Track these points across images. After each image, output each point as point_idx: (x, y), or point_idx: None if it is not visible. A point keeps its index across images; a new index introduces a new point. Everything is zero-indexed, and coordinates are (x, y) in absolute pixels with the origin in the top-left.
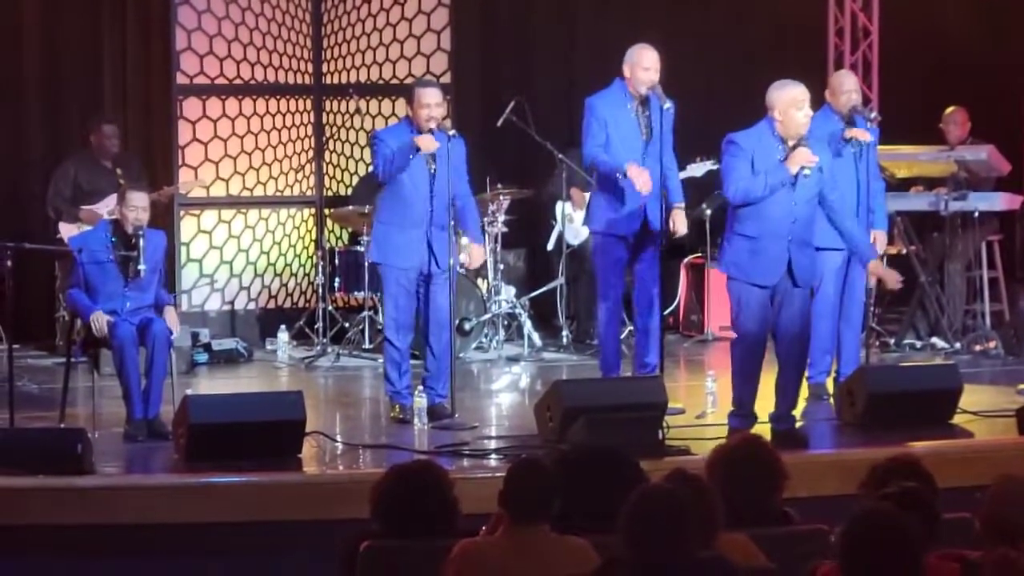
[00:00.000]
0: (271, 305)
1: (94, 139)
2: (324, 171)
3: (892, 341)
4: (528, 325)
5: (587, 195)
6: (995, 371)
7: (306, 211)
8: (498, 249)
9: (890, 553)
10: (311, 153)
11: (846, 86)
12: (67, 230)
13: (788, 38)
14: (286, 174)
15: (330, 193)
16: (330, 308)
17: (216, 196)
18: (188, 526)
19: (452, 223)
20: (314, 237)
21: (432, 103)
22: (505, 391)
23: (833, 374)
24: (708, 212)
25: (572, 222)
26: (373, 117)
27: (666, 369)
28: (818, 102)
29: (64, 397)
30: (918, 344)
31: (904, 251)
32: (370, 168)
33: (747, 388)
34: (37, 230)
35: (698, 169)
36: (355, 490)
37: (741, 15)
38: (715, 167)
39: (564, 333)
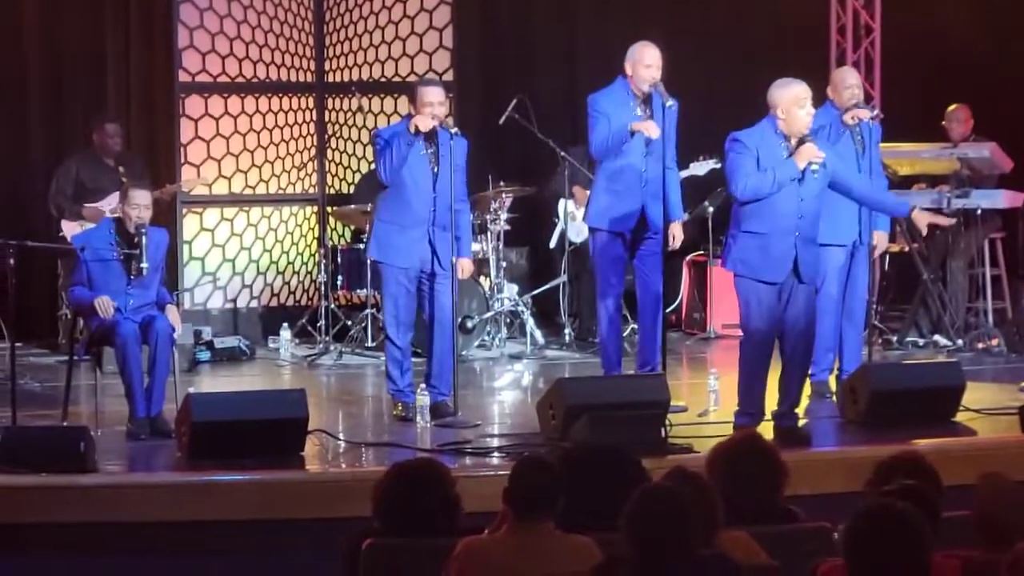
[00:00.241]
0: (273, 303)
1: (96, 137)
2: (326, 169)
3: (895, 339)
4: (530, 323)
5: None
6: (997, 369)
7: (308, 209)
8: (500, 247)
9: (896, 549)
10: (313, 151)
11: (848, 81)
12: (69, 228)
13: (789, 37)
14: (288, 172)
15: (332, 191)
16: (332, 306)
17: (218, 194)
18: (190, 524)
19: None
20: (316, 235)
21: (435, 101)
22: (507, 389)
23: (836, 372)
24: (710, 210)
25: (575, 220)
26: (375, 115)
27: (668, 367)
28: (819, 101)
29: (67, 395)
30: (921, 342)
31: (906, 249)
32: (372, 166)
33: (755, 387)
34: (40, 228)
35: (700, 168)
36: (357, 488)
37: (742, 14)
38: (717, 166)
39: (566, 331)
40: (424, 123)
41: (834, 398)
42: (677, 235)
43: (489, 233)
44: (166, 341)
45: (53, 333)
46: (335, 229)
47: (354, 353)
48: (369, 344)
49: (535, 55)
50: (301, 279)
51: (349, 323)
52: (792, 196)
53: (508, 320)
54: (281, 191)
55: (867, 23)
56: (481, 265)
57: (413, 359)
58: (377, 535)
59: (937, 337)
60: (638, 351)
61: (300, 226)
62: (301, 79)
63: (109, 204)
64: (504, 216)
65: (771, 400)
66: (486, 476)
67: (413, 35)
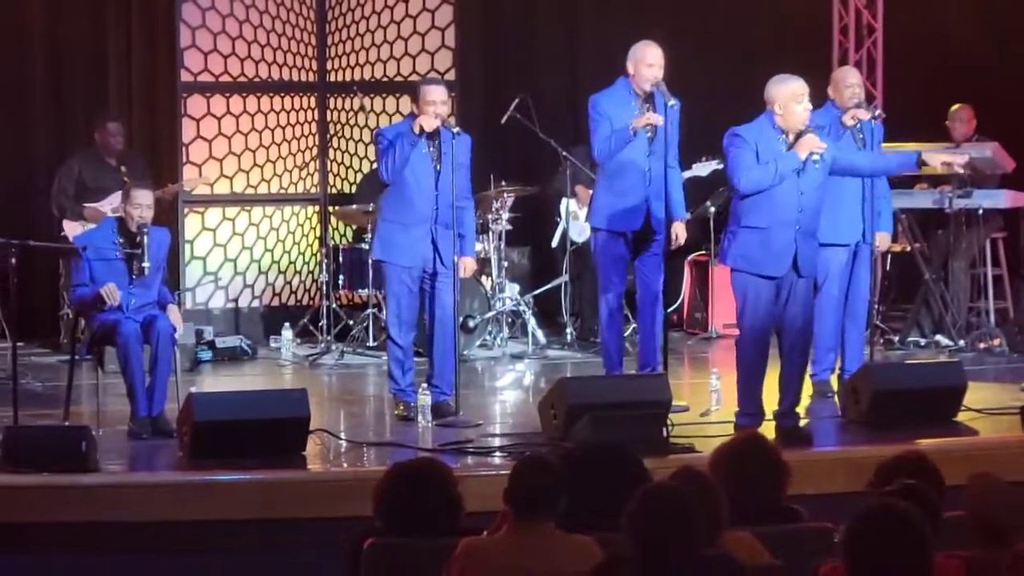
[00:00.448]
0: (275, 303)
1: (99, 137)
2: (328, 168)
3: (896, 338)
4: (532, 322)
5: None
6: (999, 368)
7: (310, 208)
8: (502, 246)
9: (896, 550)
10: (315, 150)
11: (849, 81)
12: (71, 228)
13: (791, 37)
14: (290, 171)
15: (334, 190)
16: (334, 305)
17: (220, 193)
18: (192, 523)
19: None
20: (318, 234)
21: (438, 100)
22: (509, 389)
23: (837, 371)
24: (712, 209)
25: (577, 219)
26: (377, 114)
27: (670, 367)
28: (821, 101)
29: (68, 394)
30: (922, 341)
31: (908, 248)
32: (374, 166)
33: (754, 386)
34: (42, 228)
35: (703, 169)
36: (359, 488)
37: (743, 14)
38: (719, 167)
39: (568, 330)
40: (428, 123)
41: (836, 398)
42: (680, 234)
43: (491, 233)
44: (168, 340)
45: (55, 333)
46: (337, 229)
47: (356, 353)
48: (371, 344)
49: (537, 55)
50: (303, 279)
51: (351, 323)
52: (792, 190)
53: (510, 320)
54: (283, 191)
55: (869, 23)
56: (483, 265)
57: (415, 359)
58: (379, 535)
59: (939, 337)
60: (639, 352)
61: (302, 225)
62: (303, 79)
63: (111, 203)
64: (506, 216)
65: (771, 399)
66: (488, 476)
67: (415, 35)
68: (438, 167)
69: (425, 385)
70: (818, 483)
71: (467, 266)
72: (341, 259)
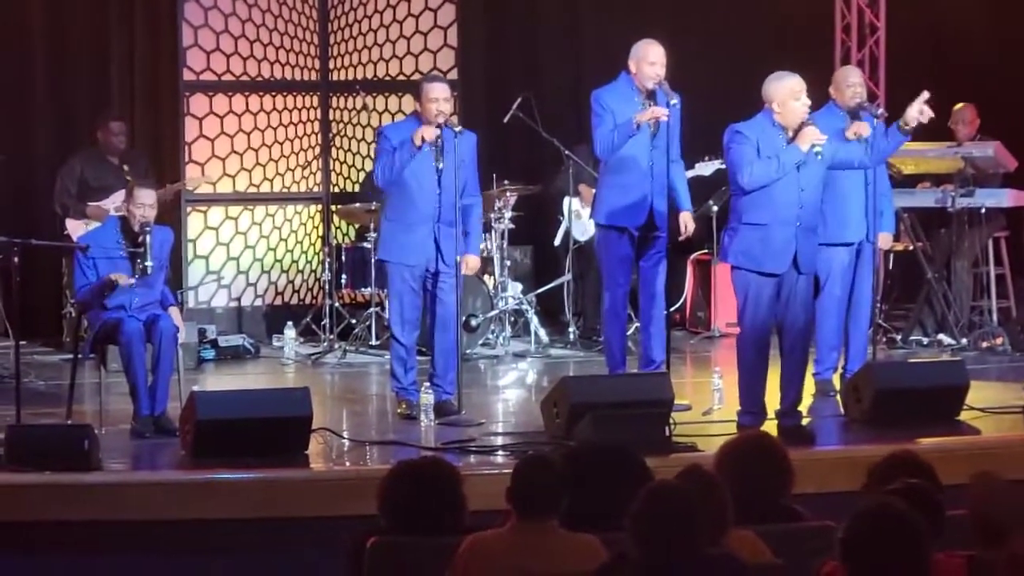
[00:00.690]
0: (278, 302)
1: (101, 136)
2: (331, 167)
3: (899, 337)
4: (535, 321)
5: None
6: (1002, 367)
7: (312, 207)
8: (505, 245)
9: (895, 549)
10: (318, 149)
11: (850, 80)
12: (74, 227)
13: (793, 36)
14: (292, 170)
15: (337, 189)
16: (337, 304)
17: (223, 192)
18: (194, 522)
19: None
20: (321, 233)
21: (440, 98)
22: (512, 387)
23: (840, 370)
24: (715, 208)
25: (579, 218)
26: (380, 113)
27: (672, 365)
28: (823, 100)
29: (71, 393)
30: (925, 340)
31: (911, 247)
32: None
33: (756, 385)
34: (44, 227)
35: (706, 168)
36: (362, 486)
37: (745, 13)
38: (723, 166)
39: (571, 329)
40: (429, 133)
41: (838, 397)
42: (689, 224)
43: (493, 231)
44: (170, 339)
45: (57, 331)
46: (339, 227)
47: (358, 351)
48: (373, 342)
49: (539, 54)
50: (305, 278)
51: (353, 321)
52: (792, 186)
53: (512, 319)
54: (285, 190)
55: (872, 22)
56: (485, 263)
57: (417, 357)
58: (382, 533)
59: (941, 336)
60: (641, 351)
61: (304, 224)
62: (305, 78)
63: (113, 202)
64: (508, 214)
65: (773, 398)
66: (490, 474)
67: (417, 33)
68: (440, 166)
69: (428, 384)
70: (820, 482)
71: (471, 264)
72: (343, 258)
